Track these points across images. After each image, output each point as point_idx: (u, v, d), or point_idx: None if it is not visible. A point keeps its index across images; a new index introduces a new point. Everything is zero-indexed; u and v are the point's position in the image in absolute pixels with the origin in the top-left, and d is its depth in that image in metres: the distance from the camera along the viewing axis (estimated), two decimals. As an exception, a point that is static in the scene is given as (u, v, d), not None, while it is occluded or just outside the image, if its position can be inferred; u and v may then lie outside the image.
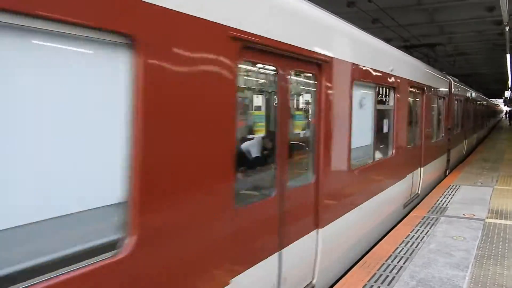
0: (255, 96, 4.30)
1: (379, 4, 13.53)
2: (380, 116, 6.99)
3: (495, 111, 54.38)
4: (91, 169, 2.25)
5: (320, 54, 4.58)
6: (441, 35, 19.16)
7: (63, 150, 2.12)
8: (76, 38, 2.12)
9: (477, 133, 22.87)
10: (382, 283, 4.84)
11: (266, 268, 3.71)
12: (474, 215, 7.80)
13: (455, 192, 9.89)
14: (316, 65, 4.60)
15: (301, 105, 5.02)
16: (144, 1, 2.38)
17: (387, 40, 9.86)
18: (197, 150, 2.86)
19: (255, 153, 4.24)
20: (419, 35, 18.76)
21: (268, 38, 3.56)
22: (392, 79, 7.25)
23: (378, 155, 7.00)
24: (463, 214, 7.88)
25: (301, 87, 4.95)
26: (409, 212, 8.33)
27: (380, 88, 6.94)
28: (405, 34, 17.92)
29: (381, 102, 7.10)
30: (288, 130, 4.12)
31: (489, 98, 51.80)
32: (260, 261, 3.62)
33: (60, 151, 2.11)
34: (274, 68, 3.91)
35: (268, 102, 4.33)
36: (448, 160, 13.25)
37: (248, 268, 3.46)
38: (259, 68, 4.01)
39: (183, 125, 2.73)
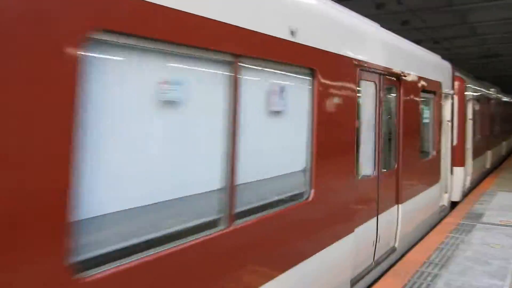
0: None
1: (409, 6, 13.26)
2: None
3: None
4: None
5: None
6: (473, 37, 18.61)
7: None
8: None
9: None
10: (416, 291, 4.69)
11: (371, 225, 5.18)
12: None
13: (491, 198, 9.54)
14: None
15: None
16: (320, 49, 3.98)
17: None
18: (340, 142, 4.34)
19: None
20: (450, 37, 18.29)
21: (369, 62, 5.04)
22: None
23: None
24: (500, 221, 7.58)
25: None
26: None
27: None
28: (435, 35, 17.52)
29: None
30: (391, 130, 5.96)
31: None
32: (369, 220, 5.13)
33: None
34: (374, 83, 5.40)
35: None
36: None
37: (364, 223, 4.96)
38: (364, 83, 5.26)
39: (335, 128, 4.23)
